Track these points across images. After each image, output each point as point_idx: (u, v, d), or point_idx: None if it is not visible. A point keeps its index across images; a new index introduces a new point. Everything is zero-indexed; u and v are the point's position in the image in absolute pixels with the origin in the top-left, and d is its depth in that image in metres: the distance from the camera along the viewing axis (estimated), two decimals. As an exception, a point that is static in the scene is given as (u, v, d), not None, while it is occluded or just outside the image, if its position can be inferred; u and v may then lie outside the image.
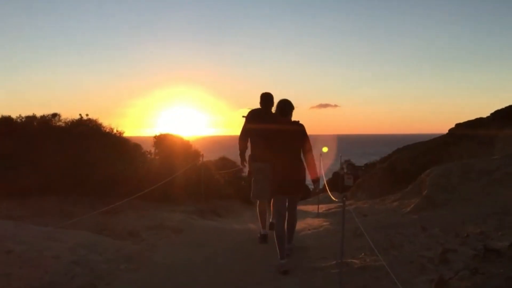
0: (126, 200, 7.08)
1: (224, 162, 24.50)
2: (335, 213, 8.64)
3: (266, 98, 5.81)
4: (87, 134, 9.36)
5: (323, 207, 10.17)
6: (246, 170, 6.38)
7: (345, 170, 14.36)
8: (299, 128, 4.96)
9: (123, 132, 11.14)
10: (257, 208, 6.16)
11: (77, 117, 9.95)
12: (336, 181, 14.63)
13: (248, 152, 5.94)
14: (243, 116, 5.89)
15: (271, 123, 5.02)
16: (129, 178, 8.30)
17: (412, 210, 6.60)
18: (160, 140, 11.62)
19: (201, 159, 10.24)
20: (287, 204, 5.02)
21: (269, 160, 5.04)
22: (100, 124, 10.30)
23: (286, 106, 4.97)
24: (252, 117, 5.78)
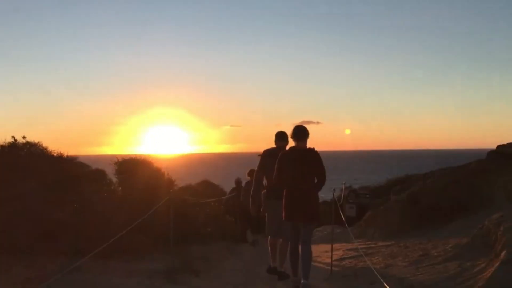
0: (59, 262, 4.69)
1: (206, 187, 22.02)
2: (357, 273, 6.26)
3: (282, 136, 6.07)
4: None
5: (338, 252, 7.83)
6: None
7: (348, 199, 12.11)
8: (311, 154, 5.11)
9: (75, 158, 8.72)
10: (269, 243, 6.19)
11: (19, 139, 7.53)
12: (330, 212, 11.98)
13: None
14: (259, 155, 6.19)
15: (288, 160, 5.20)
16: (70, 226, 5.89)
17: (490, 285, 4.29)
18: (124, 168, 9.17)
19: (171, 191, 7.86)
20: (300, 234, 5.15)
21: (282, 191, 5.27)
22: (45, 148, 7.89)
23: (300, 132, 5.20)
24: (268, 156, 5.93)
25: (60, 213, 5.97)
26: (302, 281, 4.89)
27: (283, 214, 5.17)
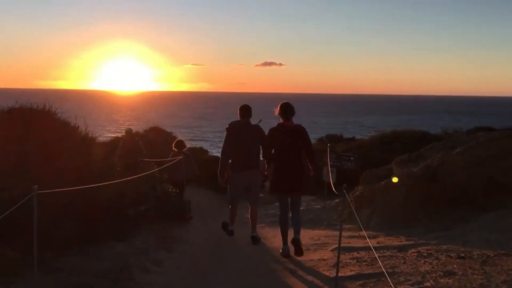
0: None
1: (157, 134, 18.58)
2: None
3: (246, 111, 6.31)
4: None
5: (342, 260, 4.93)
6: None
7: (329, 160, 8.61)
8: (300, 131, 5.62)
9: None
10: (230, 210, 6.58)
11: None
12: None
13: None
14: (226, 128, 6.34)
15: (250, 133, 6.10)
16: None
17: None
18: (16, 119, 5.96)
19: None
20: (289, 204, 5.73)
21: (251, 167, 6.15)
22: None
23: (289, 110, 5.61)
24: (233, 130, 6.22)
25: None
26: (294, 236, 5.57)
27: (272, 187, 5.70)
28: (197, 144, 27.82)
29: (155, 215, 6.68)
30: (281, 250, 5.68)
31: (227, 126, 6.25)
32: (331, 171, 7.25)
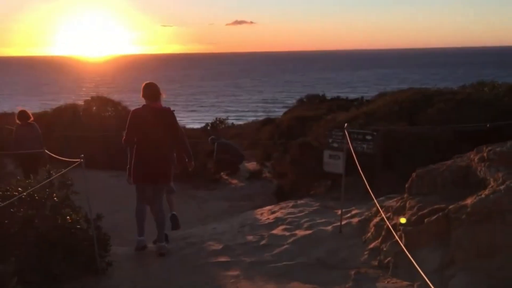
0: None
1: (100, 106, 14.07)
2: None
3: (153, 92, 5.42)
4: None
5: None
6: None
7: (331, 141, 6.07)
8: (167, 115, 5.00)
9: None
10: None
11: None
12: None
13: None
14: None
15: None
16: None
17: None
18: None
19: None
20: (152, 195, 5.12)
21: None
22: None
23: (154, 92, 4.99)
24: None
25: None
26: (160, 244, 5.09)
27: (132, 177, 5.08)
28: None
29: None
30: (135, 241, 5.24)
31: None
32: (334, 156, 5.82)
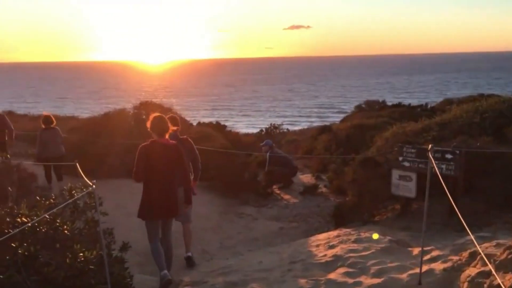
0: None
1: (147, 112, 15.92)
2: None
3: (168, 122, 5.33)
4: None
5: None
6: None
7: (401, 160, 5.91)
8: (174, 150, 4.90)
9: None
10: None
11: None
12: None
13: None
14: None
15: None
16: None
17: None
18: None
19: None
20: (160, 229, 5.07)
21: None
22: None
23: (165, 127, 4.91)
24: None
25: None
26: (164, 271, 4.90)
27: (142, 214, 4.94)
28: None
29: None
30: (161, 276, 4.91)
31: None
32: (407, 178, 5.29)
